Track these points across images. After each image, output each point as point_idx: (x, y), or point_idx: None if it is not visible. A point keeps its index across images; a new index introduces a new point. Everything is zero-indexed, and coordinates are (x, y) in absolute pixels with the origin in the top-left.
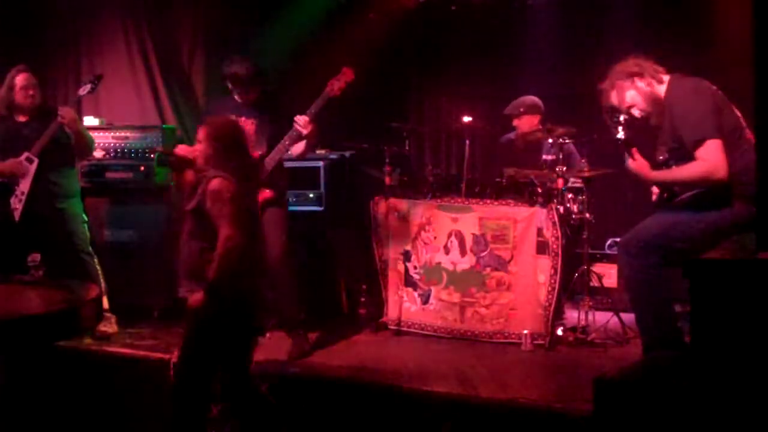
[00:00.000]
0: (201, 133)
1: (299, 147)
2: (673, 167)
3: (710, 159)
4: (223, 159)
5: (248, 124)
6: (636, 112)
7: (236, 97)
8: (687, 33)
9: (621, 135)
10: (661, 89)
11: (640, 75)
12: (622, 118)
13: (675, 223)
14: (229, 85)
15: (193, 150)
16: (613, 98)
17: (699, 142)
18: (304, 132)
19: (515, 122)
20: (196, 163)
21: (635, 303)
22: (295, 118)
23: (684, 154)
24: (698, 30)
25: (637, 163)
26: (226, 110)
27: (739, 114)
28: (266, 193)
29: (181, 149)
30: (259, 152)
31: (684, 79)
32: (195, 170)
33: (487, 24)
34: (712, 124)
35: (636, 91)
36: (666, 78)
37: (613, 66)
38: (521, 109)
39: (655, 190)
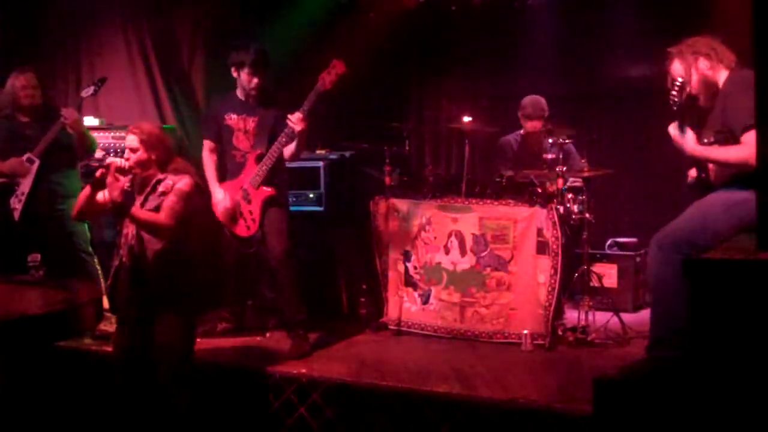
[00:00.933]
0: (134, 142)
1: (290, 149)
2: (714, 147)
3: (756, 146)
4: (166, 162)
5: (249, 122)
6: (687, 87)
7: (238, 91)
8: (687, 33)
9: (677, 99)
10: (721, 75)
11: (707, 56)
12: (680, 81)
13: (705, 220)
14: (234, 73)
15: (127, 159)
16: (674, 67)
17: (750, 127)
18: (297, 128)
19: (524, 123)
20: (131, 172)
21: (657, 295)
22: (288, 116)
23: (729, 139)
24: (699, 30)
25: (685, 133)
26: (227, 108)
27: None
28: (268, 191)
29: (113, 161)
30: (260, 150)
31: (746, 72)
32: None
33: (487, 24)
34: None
35: (695, 69)
36: (731, 66)
37: (689, 38)
38: (541, 113)
39: (691, 173)
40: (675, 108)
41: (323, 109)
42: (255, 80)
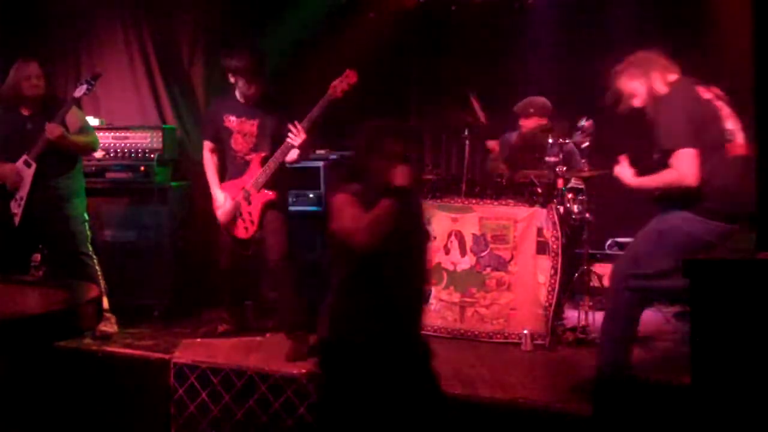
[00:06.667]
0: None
1: (292, 155)
2: (649, 175)
3: (680, 167)
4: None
5: (248, 125)
6: (636, 102)
7: (237, 94)
8: (687, 33)
9: (579, 141)
10: (664, 89)
11: (654, 71)
12: (583, 123)
13: (638, 254)
14: (232, 79)
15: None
16: (622, 82)
17: (670, 151)
18: (297, 143)
19: (522, 121)
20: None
21: (605, 334)
22: (290, 127)
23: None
24: (699, 30)
25: (620, 168)
26: (227, 110)
27: (728, 127)
28: (269, 195)
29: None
30: (263, 154)
31: (679, 85)
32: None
33: (488, 24)
34: (686, 134)
35: (642, 83)
36: (673, 79)
37: (634, 53)
38: (531, 110)
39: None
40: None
41: (327, 113)
42: (253, 86)
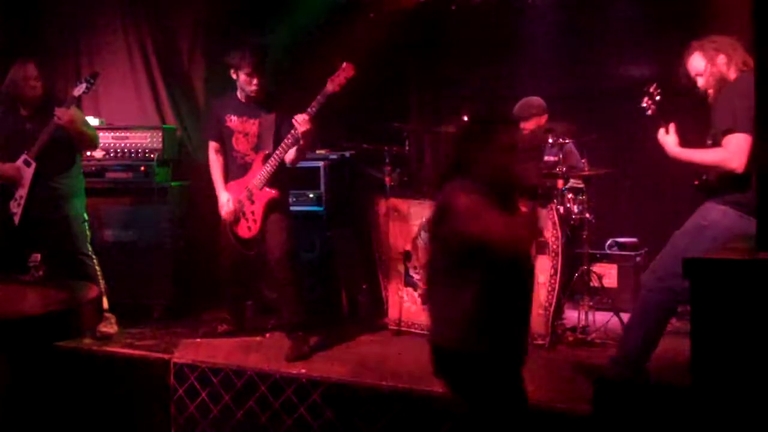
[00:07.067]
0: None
1: (291, 154)
2: (695, 149)
3: (732, 149)
4: None
5: (250, 125)
6: (700, 81)
7: (238, 93)
8: (688, 33)
9: (648, 104)
10: (733, 75)
11: (727, 54)
12: (652, 89)
13: (678, 254)
14: (233, 75)
15: None
16: (692, 59)
17: (727, 131)
18: (302, 129)
19: (523, 125)
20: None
21: (635, 322)
22: (295, 117)
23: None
24: (699, 30)
25: (667, 135)
26: (228, 110)
27: None
28: (271, 193)
29: None
30: (265, 152)
31: (750, 75)
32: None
33: (487, 24)
34: (746, 120)
35: (711, 65)
36: (741, 69)
37: (715, 35)
38: (532, 111)
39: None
40: (650, 113)
41: (327, 112)
42: (255, 81)
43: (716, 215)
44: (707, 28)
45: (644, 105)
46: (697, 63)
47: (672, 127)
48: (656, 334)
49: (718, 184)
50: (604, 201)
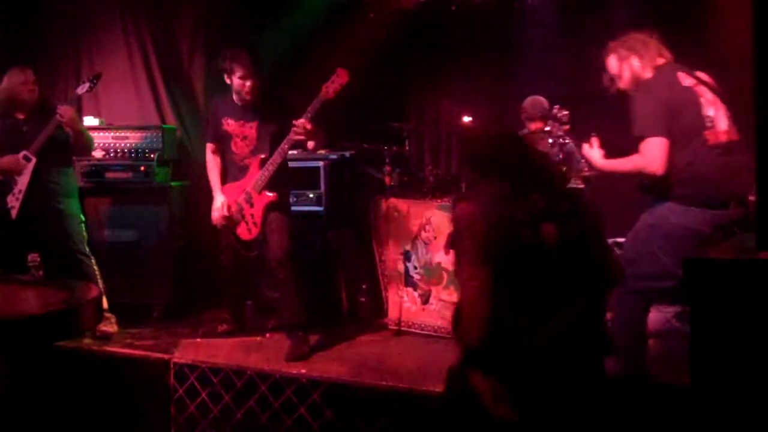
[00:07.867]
0: None
1: (310, 144)
2: (617, 158)
3: (647, 154)
4: None
5: (247, 128)
6: (621, 84)
7: (234, 96)
8: (688, 33)
9: (550, 129)
10: (648, 74)
11: (639, 55)
12: (555, 111)
13: (635, 252)
14: (227, 80)
15: None
16: (609, 61)
17: (639, 138)
18: (298, 138)
19: (534, 124)
20: None
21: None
22: (294, 122)
23: None
24: (699, 30)
25: (589, 148)
26: (225, 113)
27: (707, 114)
28: (270, 196)
29: None
30: (264, 155)
31: (659, 71)
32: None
33: (487, 24)
34: (656, 122)
35: (627, 67)
36: (660, 63)
37: (627, 33)
38: (543, 112)
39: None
40: (562, 135)
41: (327, 112)
42: (248, 84)
43: (661, 211)
44: (707, 28)
45: (549, 129)
46: (612, 65)
47: (595, 141)
48: (639, 331)
49: (657, 182)
50: (604, 201)
